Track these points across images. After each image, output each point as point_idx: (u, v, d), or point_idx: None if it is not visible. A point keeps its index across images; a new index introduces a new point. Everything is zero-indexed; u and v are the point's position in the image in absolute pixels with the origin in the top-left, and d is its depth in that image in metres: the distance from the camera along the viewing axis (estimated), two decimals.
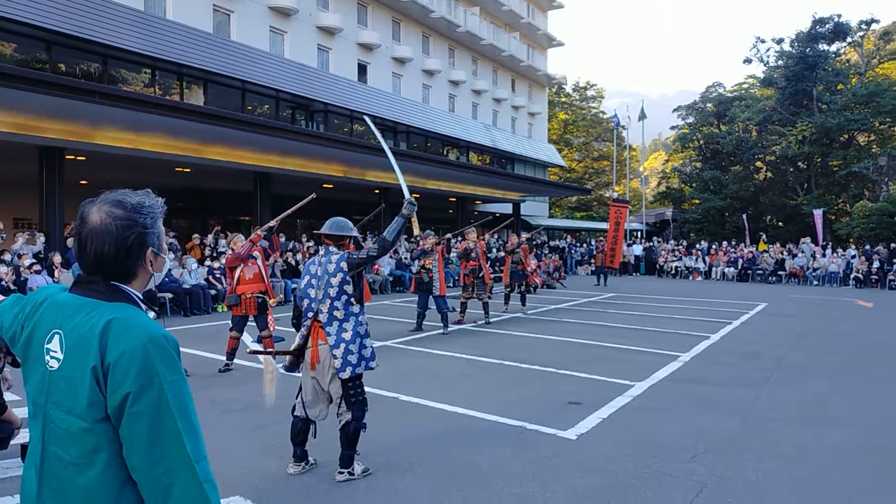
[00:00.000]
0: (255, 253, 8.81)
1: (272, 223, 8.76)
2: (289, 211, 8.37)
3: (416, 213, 5.28)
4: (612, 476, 4.92)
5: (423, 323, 12.17)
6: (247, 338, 10.05)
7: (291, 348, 4.93)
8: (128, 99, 14.09)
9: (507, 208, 36.47)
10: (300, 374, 5.01)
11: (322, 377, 4.82)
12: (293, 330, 5.10)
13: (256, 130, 16.66)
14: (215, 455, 5.09)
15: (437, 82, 37.06)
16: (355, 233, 5.11)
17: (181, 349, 1.65)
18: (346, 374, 4.71)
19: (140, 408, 1.51)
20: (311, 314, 4.83)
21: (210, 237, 18.88)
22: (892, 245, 28.23)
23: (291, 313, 5.14)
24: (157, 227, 1.73)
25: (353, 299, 4.79)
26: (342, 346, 4.72)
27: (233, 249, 8.95)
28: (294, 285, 17.47)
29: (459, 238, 14.61)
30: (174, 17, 22.33)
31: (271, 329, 8.92)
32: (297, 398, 4.99)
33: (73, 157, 16.46)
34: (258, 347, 5.12)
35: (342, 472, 4.80)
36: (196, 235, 18.74)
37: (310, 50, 28.54)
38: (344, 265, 4.77)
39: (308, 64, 27.79)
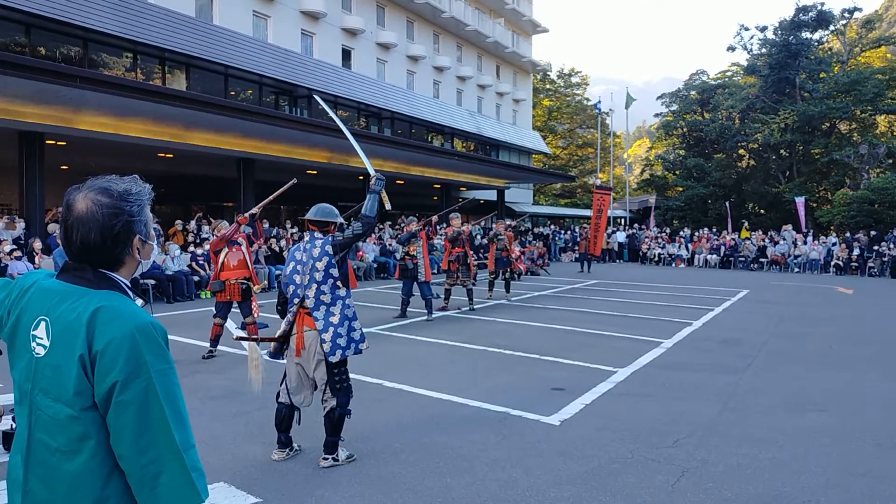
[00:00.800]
0: (240, 239, 8.77)
1: (255, 210, 8.72)
2: (271, 197, 8.33)
3: (385, 191, 5.25)
4: (595, 461, 4.97)
5: (408, 310, 12.18)
6: (231, 324, 10.02)
7: (276, 335, 4.93)
8: (109, 83, 13.92)
9: (492, 195, 36.48)
10: (284, 361, 5.01)
11: (307, 364, 4.82)
12: (278, 317, 5.09)
13: (240, 116, 16.54)
14: (199, 442, 5.08)
15: (422, 68, 36.92)
16: (340, 219, 5.10)
17: None
18: (335, 358, 4.72)
19: (128, 397, 1.51)
20: (296, 300, 4.82)
21: (193, 223, 18.76)
22: (873, 233, 28.56)
23: (276, 300, 5.13)
24: (145, 214, 1.72)
25: (339, 283, 4.79)
26: (331, 329, 4.73)
27: (216, 236, 8.91)
28: (278, 272, 17.41)
29: (444, 224, 14.61)
30: (155, 0, 22.08)
31: (255, 315, 8.90)
32: (281, 385, 5.00)
33: (53, 142, 16.27)
34: (243, 334, 5.10)
35: (326, 458, 4.81)
36: (179, 222, 18.62)
37: (293, 35, 28.31)
38: (329, 248, 4.77)
39: (292, 49, 27.58)
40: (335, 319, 4.76)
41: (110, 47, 21.05)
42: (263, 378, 5.22)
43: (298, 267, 4.85)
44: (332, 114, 6.19)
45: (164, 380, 1.56)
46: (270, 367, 5.95)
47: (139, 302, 1.76)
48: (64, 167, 19.83)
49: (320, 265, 4.75)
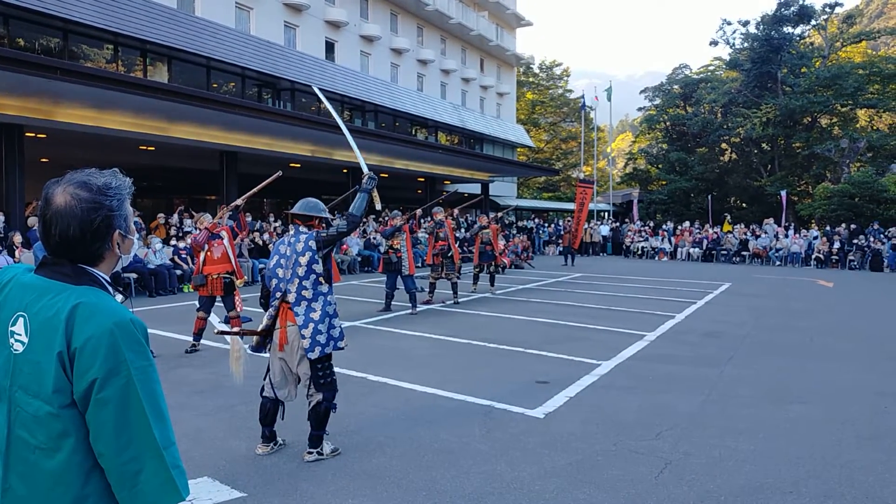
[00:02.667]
0: (222, 233, 8.71)
1: (238, 202, 8.65)
2: (255, 189, 8.28)
3: (377, 189, 5.24)
4: (579, 454, 4.99)
5: (392, 303, 12.17)
6: (214, 318, 9.96)
7: (259, 328, 4.90)
8: (89, 75, 13.78)
9: (476, 188, 36.49)
10: (267, 355, 4.99)
11: (290, 358, 4.81)
12: (261, 310, 5.06)
13: (222, 108, 16.42)
14: (183, 436, 5.08)
15: (406, 61, 36.81)
16: (326, 214, 5.08)
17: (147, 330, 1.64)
18: (314, 355, 4.70)
19: (107, 394, 1.49)
20: (279, 294, 4.80)
21: (175, 217, 18.63)
22: (853, 226, 28.83)
23: (259, 293, 5.11)
24: (125, 208, 1.69)
25: (321, 279, 4.77)
26: (311, 325, 4.71)
27: (199, 229, 8.85)
28: (262, 265, 17.34)
29: (428, 218, 14.61)
30: None
31: (239, 309, 8.85)
32: (265, 379, 4.97)
33: (33, 134, 16.09)
34: (225, 328, 5.08)
35: (311, 453, 4.80)
36: (161, 215, 18.47)
37: (276, 27, 28.12)
38: (312, 244, 4.75)
39: (275, 41, 27.39)
40: (316, 315, 4.74)
41: (91, 39, 20.82)
42: (246, 371, 5.20)
43: (282, 261, 4.82)
44: (329, 107, 6.15)
45: (144, 377, 1.54)
46: (253, 360, 5.92)
47: (119, 297, 1.73)
48: (44, 160, 19.62)
49: (303, 260, 4.73)
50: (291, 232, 4.95)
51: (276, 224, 20.87)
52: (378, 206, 5.22)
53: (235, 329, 4.99)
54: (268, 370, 4.97)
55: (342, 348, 4.92)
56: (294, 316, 4.73)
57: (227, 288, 8.65)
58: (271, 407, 4.92)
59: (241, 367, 5.10)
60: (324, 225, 5.06)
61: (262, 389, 4.96)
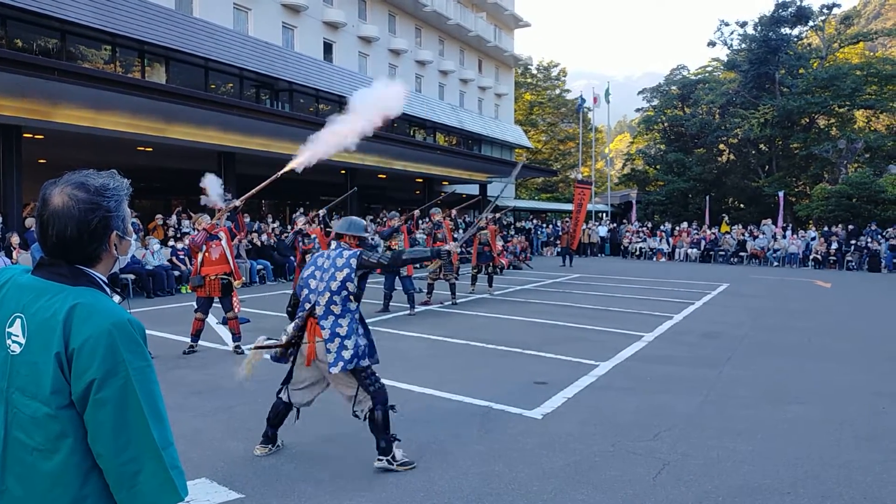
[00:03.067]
0: (220, 233, 8.69)
1: (237, 203, 8.64)
2: (254, 190, 8.28)
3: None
4: (577, 455, 4.99)
5: (390, 304, 12.16)
6: (212, 319, 9.96)
7: (283, 340, 4.86)
8: (87, 76, 13.77)
9: (474, 189, 36.48)
10: (287, 365, 4.93)
11: (319, 372, 4.78)
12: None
13: (220, 109, 16.41)
14: (181, 437, 5.06)
15: (404, 62, 36.80)
16: (365, 234, 5.06)
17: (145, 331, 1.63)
18: (336, 369, 4.60)
19: (105, 395, 1.49)
20: (307, 306, 4.74)
21: (173, 218, 18.61)
22: (850, 227, 28.86)
23: (288, 301, 5.06)
24: (122, 209, 1.69)
25: (352, 297, 4.70)
26: (336, 340, 4.62)
27: (197, 229, 8.84)
28: (260, 266, 17.34)
29: (426, 219, 14.61)
30: None
31: (236, 310, 8.83)
32: (284, 384, 4.92)
33: (30, 135, 16.07)
34: (260, 342, 4.99)
35: (381, 460, 4.66)
36: (159, 216, 18.45)
37: (274, 28, 28.10)
38: (354, 262, 4.70)
39: (273, 42, 27.38)
40: (342, 331, 4.64)
41: (88, 39, 20.79)
42: (252, 376, 5.16)
43: (317, 272, 4.78)
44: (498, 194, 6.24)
45: (142, 377, 1.54)
46: (267, 363, 5.91)
47: (116, 298, 1.73)
48: (41, 161, 19.59)
49: (340, 275, 4.67)
50: (333, 245, 4.94)
51: (275, 225, 20.85)
52: (429, 267, 5.20)
53: (269, 343, 4.92)
54: (289, 376, 4.91)
55: (367, 365, 4.73)
56: (320, 330, 4.67)
57: (225, 289, 8.63)
58: (283, 410, 4.89)
59: (248, 373, 5.01)
60: (356, 241, 5.03)
61: (280, 391, 4.94)
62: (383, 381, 4.82)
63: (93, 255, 1.65)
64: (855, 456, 5.05)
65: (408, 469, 4.68)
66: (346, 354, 4.61)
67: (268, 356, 5.02)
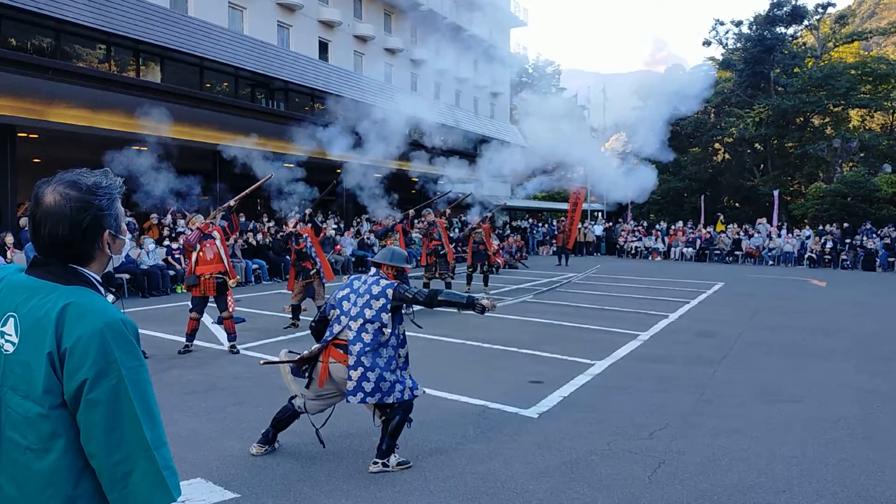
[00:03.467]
0: (215, 233, 8.68)
1: (231, 202, 8.65)
2: (246, 191, 8.31)
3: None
4: (573, 453, 5.00)
5: None
6: (207, 319, 9.94)
7: (304, 354, 4.83)
8: (82, 75, 13.74)
9: (470, 188, 36.42)
10: (303, 379, 4.88)
11: (338, 394, 4.77)
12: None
13: (215, 108, 16.38)
14: (176, 437, 5.07)
15: (400, 61, 36.78)
16: (403, 264, 5.03)
17: (139, 331, 1.63)
18: (354, 399, 4.55)
19: (97, 395, 1.49)
20: (336, 328, 4.69)
21: (168, 217, 18.55)
22: (845, 225, 28.93)
23: (314, 317, 5.02)
24: (115, 208, 1.68)
25: (384, 329, 4.65)
26: (360, 369, 4.56)
27: (191, 229, 8.83)
28: (255, 265, 17.31)
29: (422, 218, 14.61)
30: None
31: (231, 310, 8.82)
32: (300, 392, 4.89)
33: (25, 134, 16.02)
34: (271, 359, 4.98)
35: (376, 463, 4.64)
36: (154, 215, 18.40)
37: (270, 27, 28.05)
38: (390, 293, 4.68)
39: (268, 41, 27.32)
40: (367, 361, 4.56)
41: (83, 38, 20.71)
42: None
43: (352, 296, 4.74)
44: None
45: (135, 377, 1.53)
46: (245, 362, 5.91)
47: (110, 297, 1.72)
48: (36, 160, 19.53)
49: (376, 304, 4.64)
50: (373, 272, 4.92)
51: (270, 224, 20.80)
52: (467, 310, 5.16)
53: (277, 359, 4.90)
54: (306, 386, 4.87)
55: (388, 403, 4.65)
56: (347, 355, 4.61)
57: (220, 288, 8.62)
58: (290, 415, 4.89)
59: (293, 384, 4.97)
60: (394, 272, 4.99)
61: (293, 398, 4.91)
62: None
63: (85, 254, 1.64)
64: (849, 454, 5.06)
65: (404, 469, 4.68)
66: (367, 387, 4.55)
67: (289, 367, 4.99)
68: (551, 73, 63.17)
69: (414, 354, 8.45)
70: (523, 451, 5.04)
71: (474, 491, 4.32)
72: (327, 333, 4.77)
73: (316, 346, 4.81)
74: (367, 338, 4.61)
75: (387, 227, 12.03)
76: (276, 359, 4.93)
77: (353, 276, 4.96)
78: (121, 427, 1.50)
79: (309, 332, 5.12)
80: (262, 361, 5.20)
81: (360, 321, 4.63)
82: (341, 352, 4.66)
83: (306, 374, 4.85)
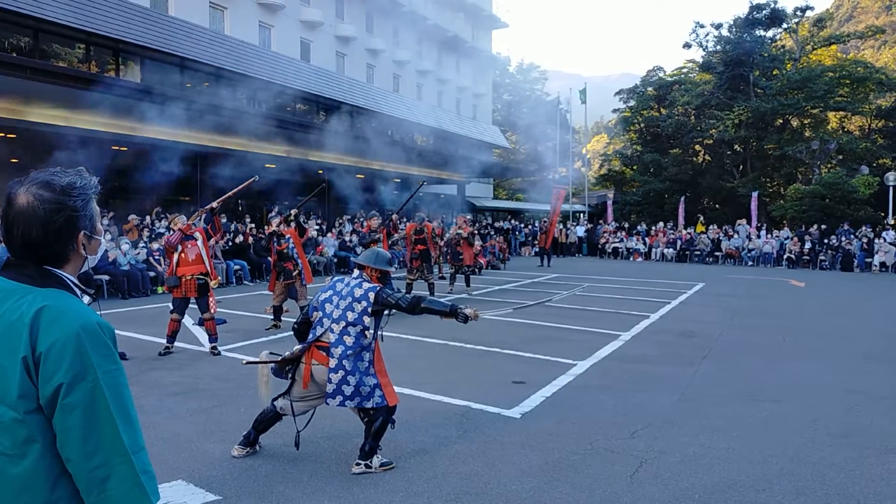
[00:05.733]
0: (196, 234, 8.63)
1: (213, 204, 8.60)
2: (230, 192, 8.29)
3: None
4: (556, 453, 5.01)
5: None
6: (188, 320, 9.87)
7: (286, 355, 4.79)
8: (61, 75, 13.60)
9: (453, 189, 36.48)
10: (286, 379, 4.86)
11: (319, 396, 4.73)
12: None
13: (195, 109, 16.27)
14: (156, 440, 5.03)
15: (382, 62, 36.72)
16: (390, 269, 5.02)
17: (119, 333, 1.61)
18: (334, 402, 4.55)
19: (73, 399, 1.46)
20: (319, 330, 4.68)
21: (148, 218, 18.43)
22: (824, 226, 29.23)
23: (296, 319, 5.01)
24: (90, 208, 1.65)
25: (366, 332, 4.67)
26: (341, 372, 4.56)
27: (173, 230, 8.77)
28: (237, 267, 17.21)
29: (406, 220, 14.58)
30: None
31: (213, 311, 8.77)
32: (282, 395, 4.86)
33: (2, 134, 15.83)
34: (251, 359, 4.94)
35: (359, 464, 4.63)
36: (133, 216, 18.26)
37: (251, 27, 27.92)
38: (372, 296, 4.67)
39: (249, 41, 27.19)
40: (348, 365, 4.57)
41: (62, 37, 20.50)
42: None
43: (334, 298, 4.72)
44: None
45: (112, 381, 1.51)
46: (226, 363, 5.87)
47: (86, 299, 1.69)
48: (14, 160, 19.30)
49: (358, 307, 4.63)
50: (355, 274, 4.89)
51: (252, 226, 20.70)
52: (449, 318, 5.13)
53: (259, 359, 4.87)
54: (289, 389, 4.85)
55: (367, 407, 4.64)
56: (328, 357, 4.60)
57: (202, 289, 8.56)
58: (272, 417, 4.86)
59: (268, 389, 4.94)
60: (378, 274, 4.99)
61: (276, 400, 4.88)
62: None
63: (60, 255, 1.61)
64: (828, 453, 5.11)
65: (387, 469, 4.67)
66: (347, 391, 4.55)
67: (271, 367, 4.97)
68: (535, 78, 63.33)
69: (397, 355, 8.46)
70: (506, 451, 5.05)
71: (457, 491, 4.32)
72: (310, 335, 4.75)
73: (298, 346, 4.78)
74: (349, 341, 4.60)
75: (370, 237, 11.91)
76: (258, 359, 4.90)
77: (336, 278, 4.94)
78: (98, 432, 1.47)
79: (291, 333, 5.10)
80: (244, 361, 5.15)
81: (343, 324, 4.62)
82: (323, 354, 4.64)
83: (289, 376, 4.83)
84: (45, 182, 1.60)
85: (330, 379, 4.56)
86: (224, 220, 19.02)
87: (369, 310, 4.65)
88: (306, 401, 4.82)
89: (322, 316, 4.72)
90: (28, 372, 1.48)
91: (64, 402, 1.47)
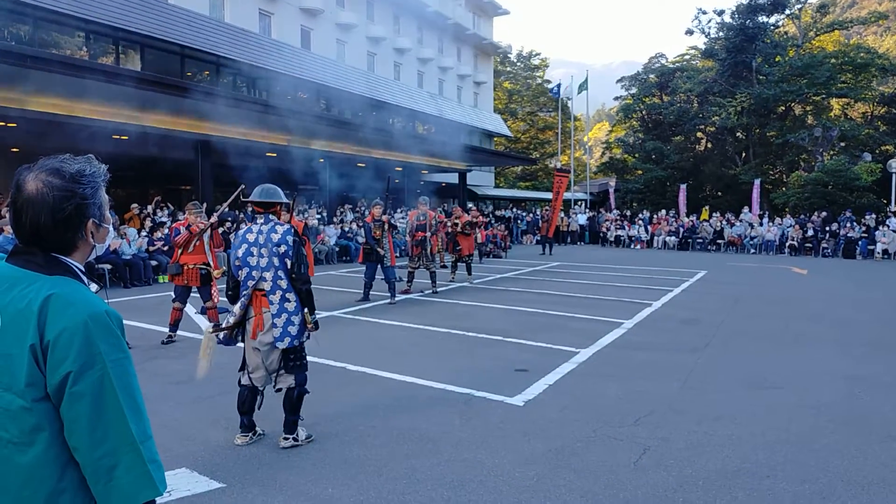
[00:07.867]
0: (201, 226, 8.65)
1: (213, 219, 8.67)
2: (223, 205, 8.42)
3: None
4: (559, 441, 5.01)
5: (370, 293, 12.12)
6: (190, 309, 9.88)
7: (231, 321, 4.83)
8: (61, 63, 13.55)
9: (454, 178, 36.42)
10: (240, 345, 4.97)
11: (263, 346, 4.78)
12: (227, 301, 5.00)
13: (196, 97, 16.23)
14: (160, 428, 5.03)
15: (383, 50, 36.57)
16: (284, 199, 5.01)
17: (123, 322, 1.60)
18: (283, 344, 4.72)
19: (81, 388, 1.46)
20: (251, 283, 4.76)
21: (150, 207, 18.42)
22: (826, 214, 29.18)
23: (226, 284, 5.02)
24: (99, 196, 1.64)
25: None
26: (284, 315, 4.73)
27: (180, 229, 8.76)
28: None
29: (404, 210, 14.56)
30: None
31: (215, 300, 8.79)
32: (242, 370, 4.95)
33: (3, 123, 15.80)
34: (210, 329, 4.95)
35: (287, 438, 4.82)
36: (135, 205, 18.25)
37: (251, 15, 27.81)
38: (290, 239, 4.74)
39: (249, 29, 27.09)
40: (290, 306, 4.75)
41: (61, 26, 20.44)
42: (214, 364, 5.12)
43: (253, 249, 4.76)
44: None
45: (120, 370, 1.51)
46: (229, 352, 5.87)
47: (93, 287, 1.68)
48: (15, 149, 19.29)
49: (280, 250, 4.71)
50: (261, 220, 4.84)
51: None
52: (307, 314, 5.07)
53: (216, 328, 4.90)
54: (244, 360, 4.94)
55: (301, 343, 4.88)
56: (269, 304, 4.73)
57: (204, 279, 8.59)
58: (248, 395, 4.90)
59: (207, 362, 4.99)
60: (284, 210, 5.05)
61: (240, 380, 4.94)
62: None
63: (68, 243, 1.60)
64: (832, 440, 5.11)
65: (309, 441, 4.90)
66: (293, 330, 4.75)
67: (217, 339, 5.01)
68: (536, 65, 63.10)
69: (399, 344, 8.49)
70: (509, 438, 5.05)
71: (461, 478, 4.33)
72: (242, 290, 4.83)
73: (237, 306, 4.83)
74: (283, 284, 4.75)
75: (370, 225, 11.86)
76: (221, 326, 4.90)
77: (244, 230, 4.91)
78: (105, 420, 1.47)
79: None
80: (210, 329, 5.06)
81: (273, 270, 4.73)
82: (266, 299, 4.75)
83: (239, 338, 4.94)
84: (55, 169, 1.59)
85: (275, 323, 4.71)
86: (222, 230, 18.95)
87: (290, 253, 4.73)
88: (260, 369, 4.87)
89: (250, 269, 4.77)
90: (36, 360, 1.48)
91: (72, 391, 1.46)
